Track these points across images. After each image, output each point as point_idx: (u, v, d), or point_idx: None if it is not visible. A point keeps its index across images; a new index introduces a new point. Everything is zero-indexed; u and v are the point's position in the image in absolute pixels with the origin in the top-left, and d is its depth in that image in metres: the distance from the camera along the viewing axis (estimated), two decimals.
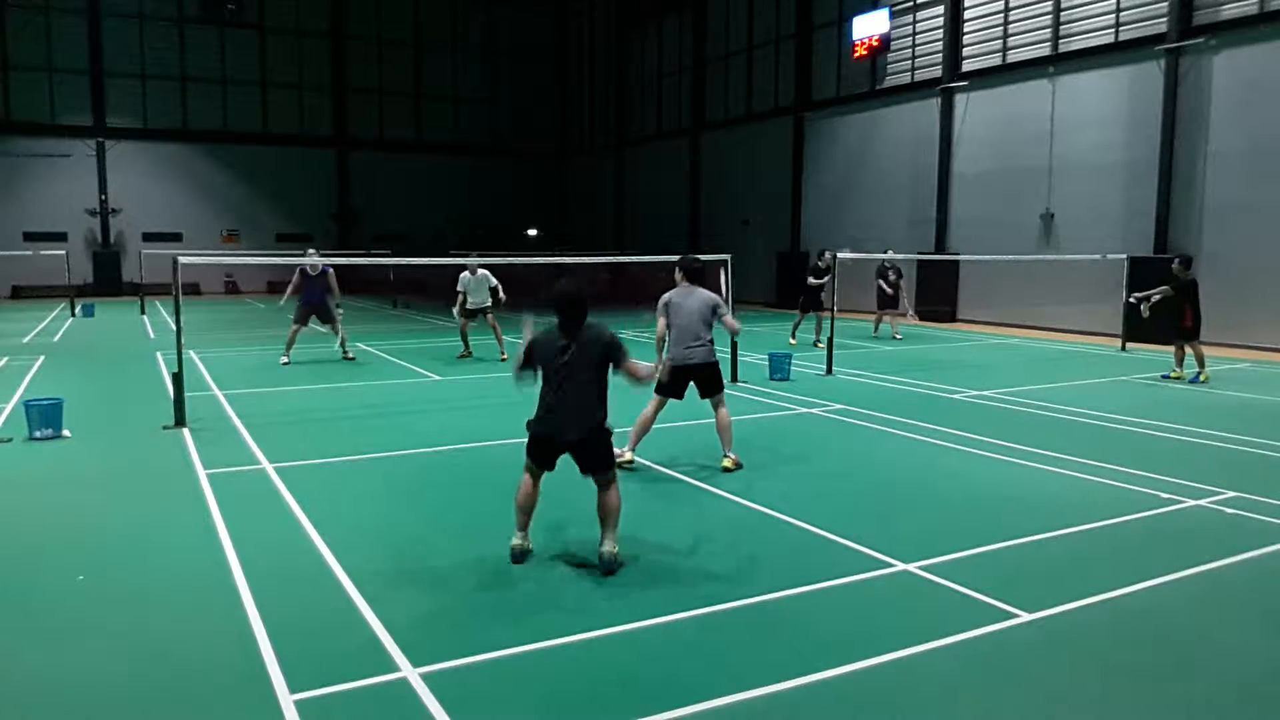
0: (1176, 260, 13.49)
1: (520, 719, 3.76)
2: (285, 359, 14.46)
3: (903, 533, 6.11)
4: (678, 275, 8.16)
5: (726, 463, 7.83)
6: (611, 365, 5.54)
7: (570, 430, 5.47)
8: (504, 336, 15.04)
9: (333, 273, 14.62)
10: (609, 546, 5.44)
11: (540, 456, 5.64)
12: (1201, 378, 12.86)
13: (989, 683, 4.10)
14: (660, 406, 7.98)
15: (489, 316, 15.09)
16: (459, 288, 15.17)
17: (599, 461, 5.55)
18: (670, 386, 7.86)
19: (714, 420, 8.00)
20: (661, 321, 7.93)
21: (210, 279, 36.32)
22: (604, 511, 5.52)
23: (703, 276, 8.15)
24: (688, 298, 7.92)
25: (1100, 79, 20.64)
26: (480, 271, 15.02)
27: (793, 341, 17.57)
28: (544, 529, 6.25)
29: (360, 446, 8.69)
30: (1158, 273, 18.71)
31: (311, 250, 14.62)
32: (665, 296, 8.01)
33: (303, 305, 14.58)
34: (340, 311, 15.17)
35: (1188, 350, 13.12)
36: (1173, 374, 13.23)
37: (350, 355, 14.98)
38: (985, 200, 23.37)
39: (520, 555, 5.56)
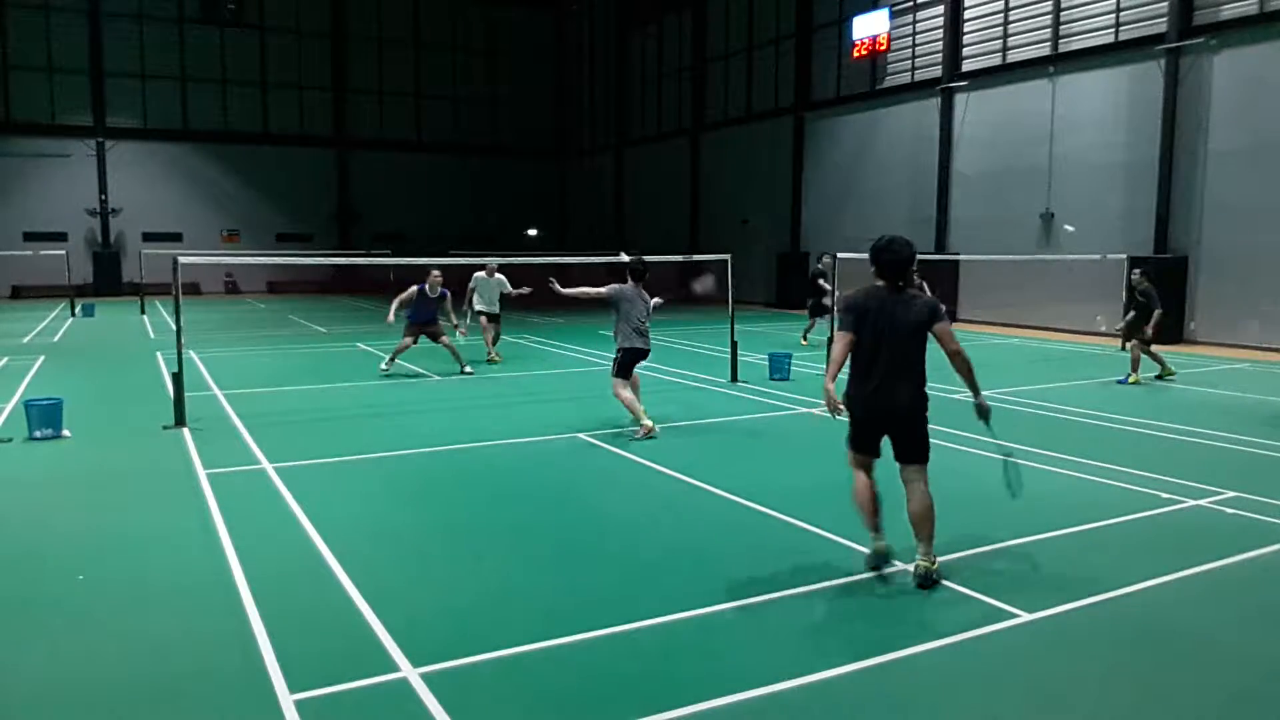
0: (1138, 271, 13.38)
1: (520, 719, 3.76)
2: (386, 366, 13.80)
3: (903, 533, 6.09)
4: (631, 275, 9.32)
5: (642, 432, 8.96)
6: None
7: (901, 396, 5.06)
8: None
9: (450, 296, 13.99)
10: (924, 560, 5.00)
11: (868, 441, 5.20)
12: (1130, 379, 12.73)
13: (989, 683, 4.10)
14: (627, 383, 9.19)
15: (496, 323, 15.01)
16: (471, 284, 14.90)
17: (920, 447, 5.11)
18: (628, 367, 9.15)
19: (633, 389, 9.25)
20: (602, 290, 9.07)
21: (210, 279, 36.35)
22: (919, 515, 5.05)
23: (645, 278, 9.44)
24: (638, 293, 9.20)
25: (1100, 79, 20.65)
26: (498, 275, 14.73)
27: (804, 342, 17.62)
28: (546, 530, 6.25)
29: (360, 446, 8.68)
30: (1157, 272, 18.79)
31: (436, 271, 13.78)
32: (619, 287, 9.17)
33: (413, 322, 13.84)
34: (462, 329, 14.54)
35: (1150, 350, 13.07)
36: (1166, 374, 13.17)
37: (467, 370, 14.00)
38: (985, 200, 23.38)
39: (879, 559, 5.18)
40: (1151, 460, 8.14)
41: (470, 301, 15.07)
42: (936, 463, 8.24)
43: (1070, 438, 9.16)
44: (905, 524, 5.19)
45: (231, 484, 7.31)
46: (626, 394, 9.10)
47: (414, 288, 13.75)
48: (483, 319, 15.02)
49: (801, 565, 5.46)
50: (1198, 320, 18.84)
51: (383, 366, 13.84)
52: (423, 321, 13.83)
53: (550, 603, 4.92)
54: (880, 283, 5.17)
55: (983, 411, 5.29)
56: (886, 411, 5.17)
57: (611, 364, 9.29)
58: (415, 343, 13.93)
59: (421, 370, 14.05)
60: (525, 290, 14.76)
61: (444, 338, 13.93)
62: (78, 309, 25.18)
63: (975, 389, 5.29)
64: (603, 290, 9.07)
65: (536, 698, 3.90)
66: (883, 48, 26.11)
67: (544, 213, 43.77)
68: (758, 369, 13.61)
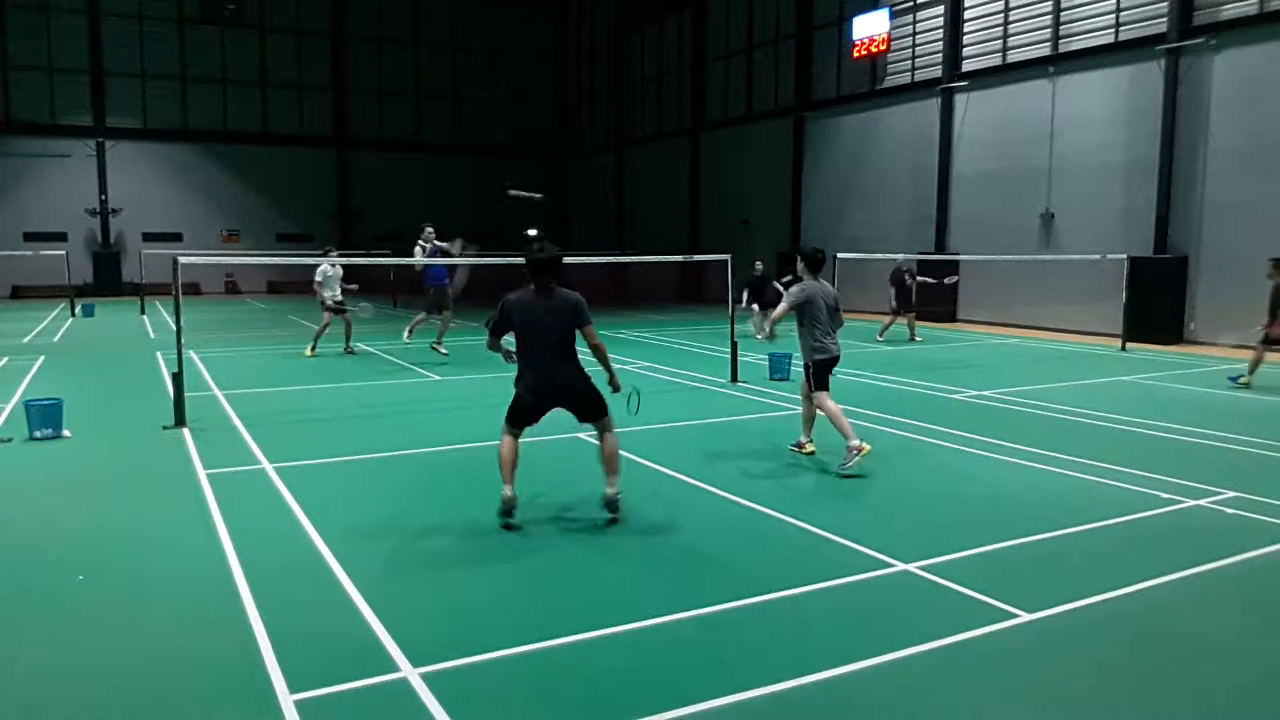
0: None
1: (520, 719, 3.76)
2: (443, 350, 14.87)
3: (903, 533, 6.11)
4: (800, 267, 8.05)
5: (811, 446, 8.26)
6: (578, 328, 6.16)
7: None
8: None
9: (445, 246, 14.73)
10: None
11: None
12: (1242, 380, 12.69)
13: (989, 683, 4.10)
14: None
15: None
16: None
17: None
18: (824, 377, 7.99)
19: (817, 413, 8.20)
20: (783, 307, 7.95)
21: (210, 279, 36.34)
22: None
23: (822, 266, 8.03)
24: (822, 290, 7.91)
25: (1100, 79, 20.65)
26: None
27: (880, 337, 18.57)
28: (546, 530, 6.24)
29: (360, 446, 8.69)
30: (1157, 272, 18.80)
31: (429, 228, 14.52)
32: (806, 286, 7.86)
33: (429, 284, 14.81)
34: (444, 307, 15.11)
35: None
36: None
37: (443, 351, 15.10)
38: (985, 200, 23.38)
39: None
40: (1151, 460, 8.14)
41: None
42: (936, 464, 8.29)
43: (1070, 438, 9.16)
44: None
45: (231, 484, 7.31)
46: (832, 405, 7.90)
47: (417, 253, 14.50)
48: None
49: (802, 565, 5.47)
50: (1198, 320, 18.83)
51: (441, 351, 14.83)
52: (436, 281, 14.70)
53: (550, 602, 4.92)
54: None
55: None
56: None
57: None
58: (431, 315, 15.07)
59: (421, 370, 14.05)
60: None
61: (447, 311, 14.98)
62: (78, 309, 25.17)
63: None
64: (784, 303, 8.03)
65: (536, 698, 3.90)
66: (883, 48, 26.11)
67: (544, 213, 43.72)
68: (758, 369, 13.60)
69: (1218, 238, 18.47)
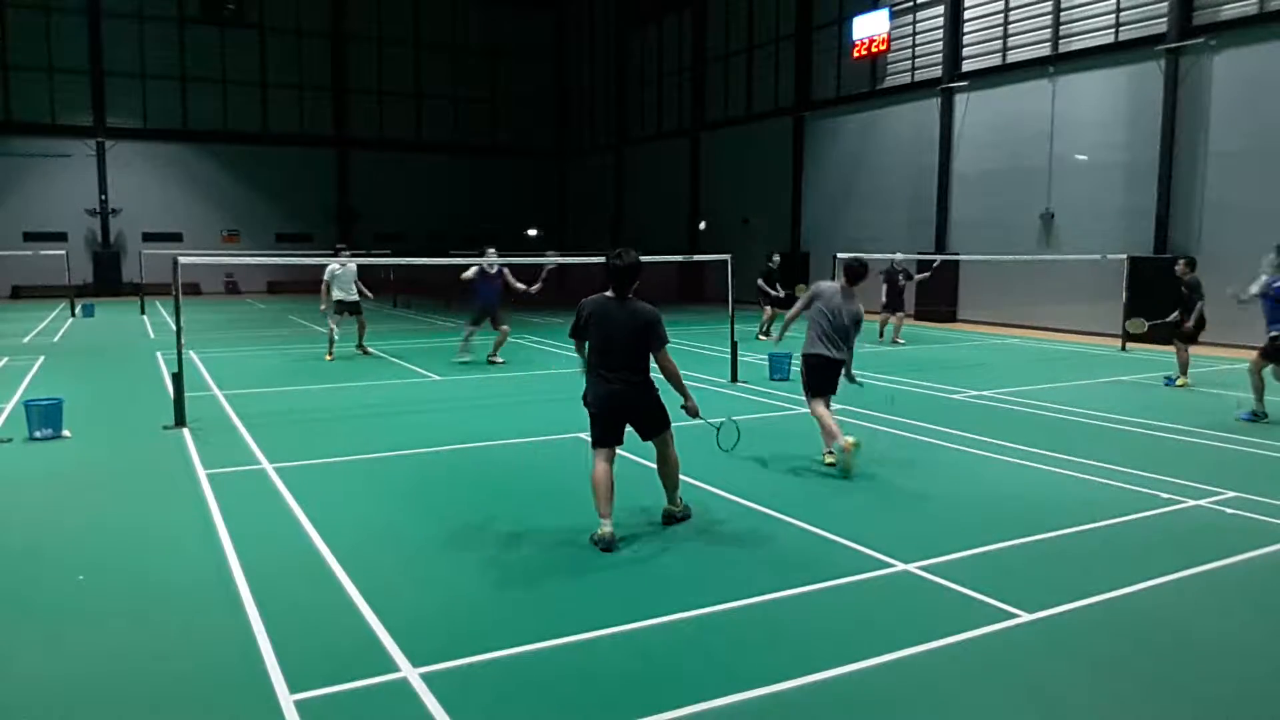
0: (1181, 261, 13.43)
1: (520, 719, 3.76)
2: (465, 358, 14.53)
3: (903, 533, 6.11)
4: (842, 272, 8.22)
5: (831, 456, 7.93)
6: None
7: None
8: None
9: (508, 273, 14.26)
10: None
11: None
12: (1179, 381, 12.80)
13: (989, 683, 4.10)
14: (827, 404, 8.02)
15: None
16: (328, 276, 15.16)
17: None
18: (815, 381, 7.97)
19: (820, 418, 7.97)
20: (799, 306, 8.08)
21: (210, 279, 36.33)
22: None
23: (861, 281, 8.10)
24: (846, 300, 7.92)
25: (1100, 79, 20.65)
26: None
27: (880, 338, 18.73)
28: (546, 530, 6.24)
29: (360, 446, 8.69)
30: (1157, 273, 18.79)
31: (491, 250, 14.17)
32: (821, 286, 8.06)
33: (480, 303, 14.37)
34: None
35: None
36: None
37: (499, 360, 14.65)
38: (985, 200, 23.38)
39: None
40: (1151, 460, 8.14)
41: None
42: (935, 464, 8.29)
43: (1070, 438, 9.16)
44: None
45: (231, 484, 7.31)
46: (820, 409, 7.86)
47: (474, 267, 14.11)
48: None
49: (802, 565, 5.46)
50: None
51: (464, 359, 14.48)
52: (487, 303, 14.32)
53: (550, 602, 4.92)
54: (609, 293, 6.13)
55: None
56: None
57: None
58: (478, 327, 14.56)
59: (421, 370, 14.05)
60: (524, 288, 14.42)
61: (504, 325, 14.52)
62: (78, 309, 25.17)
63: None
64: (800, 301, 8.18)
65: (536, 698, 3.90)
66: (883, 48, 26.12)
67: (544, 213, 43.75)
68: (758, 369, 13.60)
69: (1218, 238, 18.47)
